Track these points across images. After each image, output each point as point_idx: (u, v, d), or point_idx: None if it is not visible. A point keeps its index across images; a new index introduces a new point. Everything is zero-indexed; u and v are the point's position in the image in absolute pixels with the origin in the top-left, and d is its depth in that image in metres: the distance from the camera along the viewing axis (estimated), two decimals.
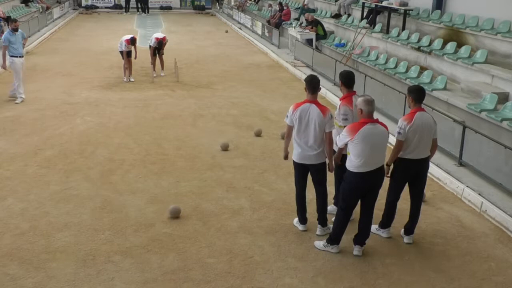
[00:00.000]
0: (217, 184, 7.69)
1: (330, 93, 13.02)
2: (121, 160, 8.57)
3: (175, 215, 6.62)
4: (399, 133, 5.75)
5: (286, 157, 6.32)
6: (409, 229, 6.15)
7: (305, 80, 6.05)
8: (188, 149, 9.17)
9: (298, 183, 6.21)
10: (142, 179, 7.82)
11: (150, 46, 14.92)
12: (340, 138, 5.57)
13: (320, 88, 6.01)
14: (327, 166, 6.08)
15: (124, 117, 10.99)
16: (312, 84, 5.92)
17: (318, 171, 6.04)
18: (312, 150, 5.89)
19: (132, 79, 14.53)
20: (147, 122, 10.68)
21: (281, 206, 6.95)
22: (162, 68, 15.40)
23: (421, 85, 11.07)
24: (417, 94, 5.85)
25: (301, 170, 6.11)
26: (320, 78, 14.28)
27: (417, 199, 6.10)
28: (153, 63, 14.97)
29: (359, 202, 5.77)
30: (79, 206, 6.90)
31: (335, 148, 5.95)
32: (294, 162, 6.10)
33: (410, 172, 5.92)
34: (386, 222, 6.22)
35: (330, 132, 5.87)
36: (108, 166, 8.29)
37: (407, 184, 6.05)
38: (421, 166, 5.91)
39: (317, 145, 5.88)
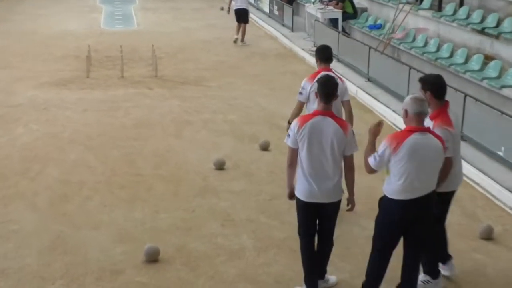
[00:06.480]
0: (210, 216, 7.69)
1: (361, 91, 13.05)
2: (79, 182, 8.59)
3: (152, 257, 6.61)
4: (300, 93, 7.33)
5: (291, 195, 5.93)
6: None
7: (318, 81, 5.86)
8: (171, 168, 9.19)
9: (305, 229, 5.92)
10: (108, 209, 7.83)
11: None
12: (378, 153, 5.48)
13: (337, 96, 5.80)
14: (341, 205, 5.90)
15: (84, 125, 11.02)
16: (325, 90, 5.67)
17: (331, 213, 5.84)
18: (327, 183, 5.70)
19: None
20: (114, 132, 10.71)
21: (296, 246, 6.91)
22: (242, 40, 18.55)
23: (486, 80, 11.19)
24: (322, 54, 7.37)
25: (309, 212, 5.84)
26: (349, 71, 14.60)
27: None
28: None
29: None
30: (21, 246, 6.88)
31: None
32: (298, 200, 5.82)
33: None
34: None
35: (351, 156, 5.74)
36: (61, 191, 8.31)
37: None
38: None
39: (337, 176, 5.72)
